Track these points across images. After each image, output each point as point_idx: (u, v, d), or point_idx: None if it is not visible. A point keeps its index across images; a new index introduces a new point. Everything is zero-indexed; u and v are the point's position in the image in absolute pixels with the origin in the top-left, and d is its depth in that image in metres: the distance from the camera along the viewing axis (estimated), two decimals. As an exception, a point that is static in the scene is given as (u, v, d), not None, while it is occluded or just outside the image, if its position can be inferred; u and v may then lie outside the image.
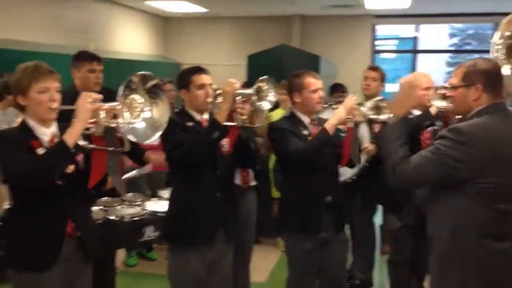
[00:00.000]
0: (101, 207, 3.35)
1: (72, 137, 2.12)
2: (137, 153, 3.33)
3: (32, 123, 2.25)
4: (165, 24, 11.13)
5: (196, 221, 2.68)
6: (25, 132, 2.23)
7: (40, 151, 2.21)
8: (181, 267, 2.73)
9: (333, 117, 2.78)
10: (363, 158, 3.65)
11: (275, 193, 4.82)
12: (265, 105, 2.65)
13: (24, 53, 6.06)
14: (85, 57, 3.54)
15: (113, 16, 9.23)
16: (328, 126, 2.74)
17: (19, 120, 2.50)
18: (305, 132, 2.89)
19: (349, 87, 5.21)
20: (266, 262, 4.79)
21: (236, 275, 3.20)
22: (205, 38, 10.83)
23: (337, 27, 10.17)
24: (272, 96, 2.66)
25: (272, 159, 4.47)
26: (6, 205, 2.44)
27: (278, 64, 6.33)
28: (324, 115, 3.06)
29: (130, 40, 9.84)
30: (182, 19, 10.93)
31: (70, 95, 3.32)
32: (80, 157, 2.31)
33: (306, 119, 2.94)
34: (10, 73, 3.87)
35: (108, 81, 3.74)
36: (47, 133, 2.27)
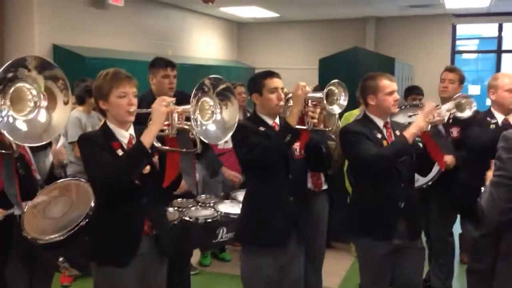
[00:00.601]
0: (176, 208, 3.45)
1: (149, 138, 2.21)
2: (214, 165, 3.40)
3: (112, 126, 2.38)
4: (239, 29, 11.33)
5: (269, 224, 2.70)
6: (106, 134, 2.36)
7: (120, 152, 2.33)
8: (253, 269, 2.76)
9: (413, 125, 2.67)
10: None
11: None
12: (336, 108, 2.61)
13: (105, 60, 6.41)
14: (159, 63, 3.68)
15: (189, 23, 9.53)
16: (408, 135, 2.65)
17: (101, 123, 2.65)
18: (379, 136, 2.82)
19: (426, 90, 5.03)
20: (338, 268, 4.72)
21: (307, 279, 3.19)
22: (278, 42, 10.91)
23: (414, 27, 9.87)
24: (343, 100, 2.62)
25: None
26: (92, 203, 2.58)
27: (351, 67, 6.21)
28: (398, 118, 2.96)
29: (205, 45, 10.11)
30: (255, 24, 11.07)
31: (147, 99, 3.49)
32: (155, 158, 2.40)
33: (380, 122, 2.87)
34: (92, 79, 4.13)
35: (184, 85, 3.86)
36: (125, 135, 2.39)
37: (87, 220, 2.54)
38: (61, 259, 2.58)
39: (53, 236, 2.52)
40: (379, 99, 2.81)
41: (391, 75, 2.92)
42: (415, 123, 2.68)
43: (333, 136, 2.95)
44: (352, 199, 3.08)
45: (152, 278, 2.48)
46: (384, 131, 2.85)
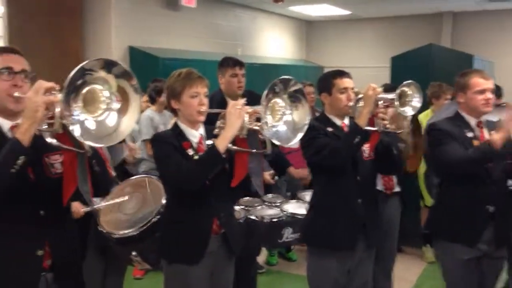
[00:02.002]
0: (243, 206, 3.49)
1: (223, 143, 2.22)
2: (282, 164, 3.38)
3: (182, 126, 2.43)
4: (308, 28, 11.25)
5: (336, 227, 2.65)
6: (177, 134, 2.41)
7: (190, 152, 2.37)
8: (320, 271, 2.72)
9: (501, 131, 2.53)
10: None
11: (429, 202, 4.56)
12: (408, 110, 2.52)
13: (178, 60, 6.59)
14: (228, 62, 3.73)
15: (259, 23, 9.59)
16: (495, 139, 2.50)
17: (172, 121, 2.71)
18: (470, 135, 2.70)
19: (508, 88, 4.74)
20: (409, 273, 4.58)
21: (377, 284, 3.11)
22: (348, 40, 10.73)
23: (495, 22, 9.35)
24: (416, 102, 2.52)
25: (423, 164, 4.23)
26: (163, 200, 2.65)
27: (426, 65, 5.97)
28: (493, 117, 2.80)
29: (274, 45, 10.13)
30: (325, 22, 10.95)
31: (216, 99, 3.55)
32: None
33: (472, 121, 2.75)
34: (165, 79, 4.25)
35: (253, 85, 3.89)
36: (196, 135, 2.43)
37: (158, 216, 2.62)
38: (134, 253, 2.68)
39: (127, 231, 2.63)
40: (467, 97, 2.71)
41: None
42: (503, 129, 2.52)
43: (404, 138, 2.84)
44: (437, 201, 2.95)
45: (220, 276, 2.52)
46: (477, 130, 2.72)
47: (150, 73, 5.59)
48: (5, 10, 6.63)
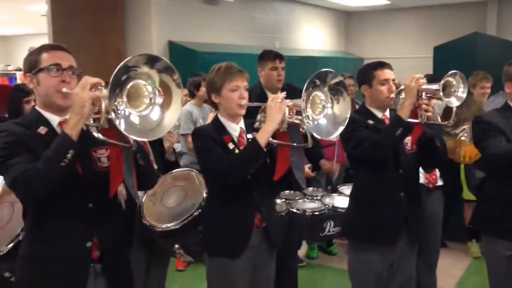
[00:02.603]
0: (284, 199, 3.49)
1: (264, 137, 2.23)
2: (316, 155, 3.37)
3: (223, 120, 2.45)
4: (347, 19, 11.10)
5: (378, 220, 2.61)
6: (218, 128, 2.43)
7: (231, 145, 2.38)
8: (362, 265, 2.69)
9: None
10: None
11: (467, 195, 4.49)
12: (454, 101, 2.45)
13: (216, 54, 6.64)
14: (268, 55, 3.73)
15: (297, 15, 9.53)
16: None
17: (211, 115, 2.73)
18: None
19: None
20: (454, 268, 4.48)
21: (421, 279, 3.06)
22: (388, 31, 10.53)
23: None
24: (461, 92, 2.45)
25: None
26: (204, 194, 2.68)
27: (470, 55, 5.80)
28: None
29: (312, 37, 10.05)
30: (364, 12, 10.78)
31: (256, 92, 3.56)
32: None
33: None
34: (204, 72, 4.29)
35: (292, 77, 3.88)
36: (236, 128, 2.45)
37: (200, 210, 2.65)
38: (176, 246, 2.72)
39: (169, 225, 2.67)
40: None
41: None
42: None
43: (449, 131, 2.77)
44: (482, 195, 2.87)
45: (262, 270, 2.53)
46: None
47: (189, 67, 5.65)
48: (49, 8, 6.85)
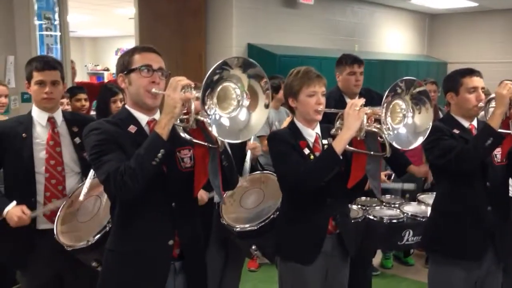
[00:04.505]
0: (360, 206, 3.43)
1: (341, 144, 2.21)
2: (401, 163, 3.30)
3: (299, 124, 2.45)
4: (430, 22, 10.71)
5: (462, 234, 2.52)
6: (294, 133, 2.43)
7: (306, 151, 2.38)
8: (444, 281, 2.60)
9: None
10: None
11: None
12: None
13: (295, 57, 6.65)
14: (346, 60, 3.68)
15: (377, 18, 9.33)
16: None
17: (288, 119, 2.73)
18: None
19: None
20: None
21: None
22: (474, 34, 10.03)
23: None
24: None
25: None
26: (281, 197, 2.70)
27: None
28: None
29: (393, 40, 9.80)
30: (449, 15, 10.34)
31: (334, 97, 3.53)
32: None
33: None
34: (282, 75, 4.30)
35: (371, 82, 3.80)
36: (312, 134, 2.44)
37: (278, 213, 2.67)
38: (253, 247, 2.76)
39: (247, 226, 2.72)
40: None
41: None
42: None
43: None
44: None
45: (335, 276, 2.50)
46: None
47: (268, 70, 5.61)
48: (137, 11, 7.18)
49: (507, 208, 2.63)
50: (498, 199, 2.56)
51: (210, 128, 1.70)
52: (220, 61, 1.69)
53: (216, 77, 1.70)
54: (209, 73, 1.67)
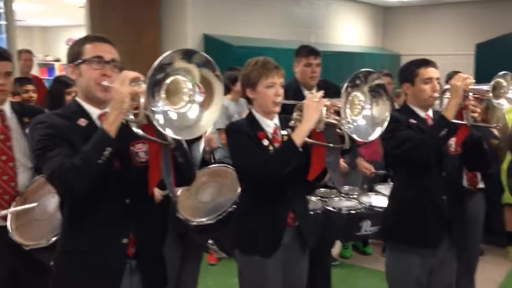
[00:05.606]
0: (319, 197, 3.43)
1: (301, 137, 2.18)
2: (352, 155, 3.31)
3: (257, 115, 2.41)
4: (385, 14, 10.89)
5: (419, 224, 2.54)
6: (252, 124, 2.39)
7: (265, 142, 2.34)
8: (401, 268, 2.62)
9: None
10: None
11: (508, 198, 4.38)
12: (504, 103, 2.35)
13: (251, 48, 6.60)
14: (303, 51, 3.67)
15: (333, 10, 9.40)
16: None
17: (247, 111, 2.69)
18: None
19: None
20: (493, 274, 4.34)
21: (460, 284, 2.96)
22: (428, 26, 10.27)
23: None
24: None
25: (508, 159, 4.00)
26: (239, 190, 2.66)
27: (514, 53, 5.62)
28: None
29: (348, 32, 9.90)
30: (403, 8, 10.56)
31: (292, 88, 3.51)
32: None
33: None
34: (240, 67, 4.24)
35: (327, 73, 3.80)
36: (270, 125, 2.40)
37: (235, 206, 2.63)
38: (210, 241, 2.72)
39: (204, 220, 2.67)
40: None
41: None
42: None
43: (496, 133, 2.66)
44: None
45: (294, 268, 2.49)
46: None
47: (224, 61, 5.61)
48: (87, 0, 6.94)
49: (461, 197, 2.69)
50: (453, 188, 2.60)
51: (156, 124, 1.61)
52: (156, 63, 1.57)
53: (161, 75, 1.60)
54: (150, 74, 1.57)
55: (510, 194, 4.18)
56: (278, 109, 2.37)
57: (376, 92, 2.13)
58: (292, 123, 2.31)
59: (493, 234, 4.26)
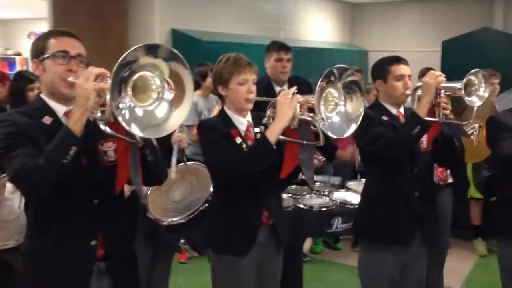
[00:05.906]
0: (291, 194, 3.42)
1: (274, 134, 2.15)
2: (330, 148, 3.30)
3: (229, 113, 2.36)
4: (353, 11, 10.97)
5: (392, 220, 2.55)
6: (224, 121, 2.35)
7: (238, 140, 2.30)
8: (374, 265, 2.63)
9: None
10: None
11: (473, 193, 4.48)
12: (475, 100, 2.38)
13: (220, 43, 6.53)
14: (273, 46, 3.66)
15: (301, 5, 9.40)
16: None
17: (218, 107, 2.64)
18: None
19: None
20: (460, 267, 4.44)
21: (429, 278, 3.00)
22: (395, 23, 10.41)
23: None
24: (483, 91, 2.37)
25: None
26: (211, 188, 2.61)
27: (479, 50, 5.73)
28: None
29: (317, 28, 9.93)
30: (371, 4, 10.66)
31: (263, 84, 3.48)
32: None
33: None
34: (209, 62, 4.17)
35: (296, 69, 3.79)
36: (243, 122, 2.37)
37: (206, 205, 2.58)
38: (182, 240, 2.67)
39: (175, 219, 2.62)
40: None
41: None
42: None
43: (467, 130, 2.68)
44: (497, 194, 2.80)
45: (268, 266, 2.47)
46: None
47: (193, 57, 5.52)
48: (50, -8, 6.71)
49: (432, 193, 2.71)
50: (424, 185, 2.62)
51: (120, 120, 1.54)
52: (119, 61, 1.51)
53: (126, 73, 1.53)
54: (114, 72, 1.50)
55: (476, 188, 4.28)
56: (250, 106, 2.34)
57: (350, 89, 2.13)
58: (265, 120, 2.28)
59: (459, 228, 4.33)
